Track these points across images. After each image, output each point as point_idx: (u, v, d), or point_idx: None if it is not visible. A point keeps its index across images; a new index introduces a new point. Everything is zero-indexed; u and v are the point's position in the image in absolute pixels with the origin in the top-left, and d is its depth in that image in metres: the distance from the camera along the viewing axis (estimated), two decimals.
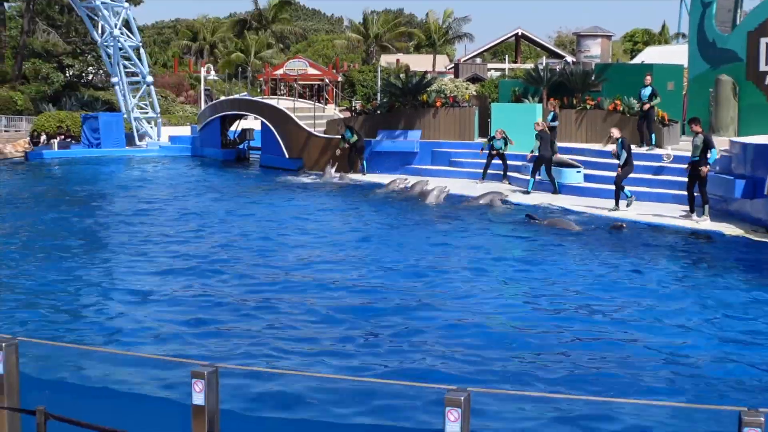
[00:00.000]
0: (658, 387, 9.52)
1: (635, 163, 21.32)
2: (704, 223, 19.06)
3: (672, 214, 20.16)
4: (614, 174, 21.22)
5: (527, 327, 11.79)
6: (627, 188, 21.03)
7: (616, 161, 21.29)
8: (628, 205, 20.85)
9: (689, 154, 19.62)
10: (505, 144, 26.20)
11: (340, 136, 30.59)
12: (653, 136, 25.07)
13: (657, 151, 24.36)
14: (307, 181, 29.89)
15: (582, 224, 19.66)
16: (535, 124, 24.65)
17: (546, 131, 24.12)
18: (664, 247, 17.43)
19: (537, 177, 24.26)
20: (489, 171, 26.64)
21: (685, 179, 19.84)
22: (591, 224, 19.73)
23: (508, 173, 26.47)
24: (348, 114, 35.55)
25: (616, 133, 21.29)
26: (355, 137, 29.97)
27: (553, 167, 24.31)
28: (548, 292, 13.77)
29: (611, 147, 21.86)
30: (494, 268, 15.47)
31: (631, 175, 21.27)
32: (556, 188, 24.00)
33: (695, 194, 19.55)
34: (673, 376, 9.86)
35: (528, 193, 24.07)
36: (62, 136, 43.36)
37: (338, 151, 30.28)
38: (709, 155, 19.02)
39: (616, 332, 11.49)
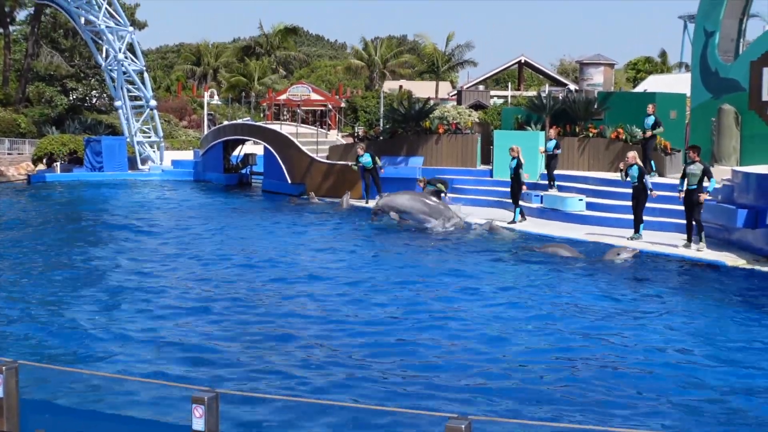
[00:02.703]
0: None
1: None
2: (705, 252, 19.01)
3: (673, 243, 20.08)
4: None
5: (537, 357, 11.76)
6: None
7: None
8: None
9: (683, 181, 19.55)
10: (373, 161, 28.66)
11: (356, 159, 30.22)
12: (653, 163, 25.04)
13: (656, 179, 24.32)
14: (306, 205, 29.93)
15: (584, 253, 19.64)
16: (512, 150, 24.48)
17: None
18: (673, 278, 17.38)
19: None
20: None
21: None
22: (594, 253, 19.69)
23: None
24: (351, 140, 35.52)
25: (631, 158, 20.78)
26: (378, 162, 29.63)
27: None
28: (561, 321, 13.74)
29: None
30: (497, 296, 15.48)
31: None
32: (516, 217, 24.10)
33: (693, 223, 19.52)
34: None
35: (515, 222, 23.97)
36: (66, 161, 43.31)
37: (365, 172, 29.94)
38: (707, 184, 19.07)
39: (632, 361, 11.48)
